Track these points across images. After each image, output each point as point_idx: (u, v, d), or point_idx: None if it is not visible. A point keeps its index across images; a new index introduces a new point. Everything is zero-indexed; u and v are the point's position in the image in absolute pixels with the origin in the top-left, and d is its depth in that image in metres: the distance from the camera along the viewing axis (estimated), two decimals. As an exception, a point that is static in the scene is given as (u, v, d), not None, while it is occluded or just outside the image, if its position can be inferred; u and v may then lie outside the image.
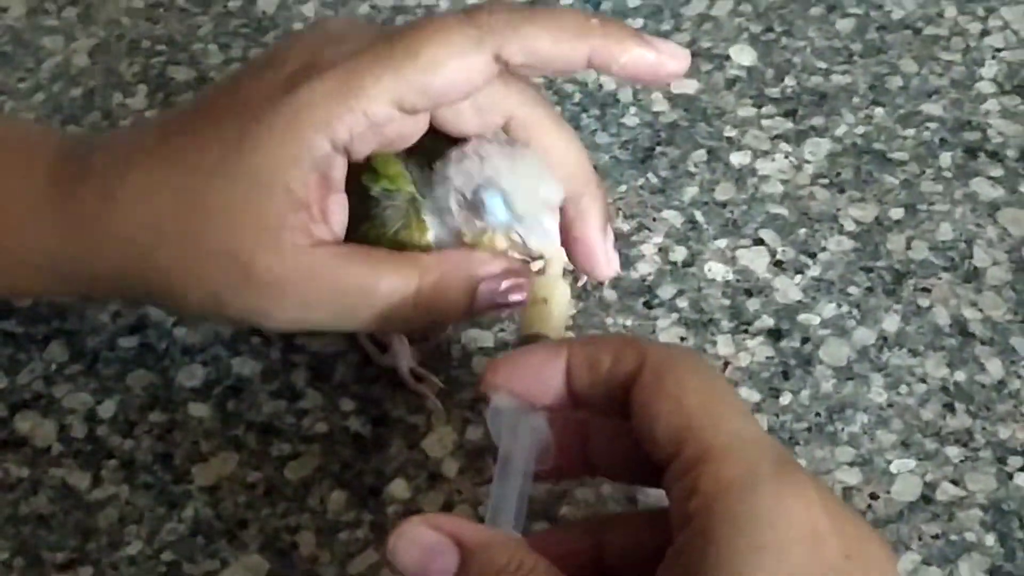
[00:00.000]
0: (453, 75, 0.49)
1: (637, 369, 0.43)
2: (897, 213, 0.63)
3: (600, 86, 0.71)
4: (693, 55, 0.68)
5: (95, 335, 0.61)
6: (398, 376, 0.57)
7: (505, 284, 0.51)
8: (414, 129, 0.51)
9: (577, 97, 0.70)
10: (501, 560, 0.41)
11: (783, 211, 0.64)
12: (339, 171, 0.50)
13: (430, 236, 0.52)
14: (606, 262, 0.55)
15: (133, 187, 0.51)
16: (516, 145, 0.52)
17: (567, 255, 0.53)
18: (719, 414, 0.42)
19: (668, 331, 0.59)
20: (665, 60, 0.51)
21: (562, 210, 0.52)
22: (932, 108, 0.68)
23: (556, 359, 0.45)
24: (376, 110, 0.49)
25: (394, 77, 0.48)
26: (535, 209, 0.51)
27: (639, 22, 0.73)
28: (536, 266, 0.51)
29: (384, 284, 0.50)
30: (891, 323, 0.59)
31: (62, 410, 0.58)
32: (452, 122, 0.51)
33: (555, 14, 0.51)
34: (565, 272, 0.52)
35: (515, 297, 0.51)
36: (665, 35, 0.73)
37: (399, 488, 0.55)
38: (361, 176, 0.51)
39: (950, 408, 0.56)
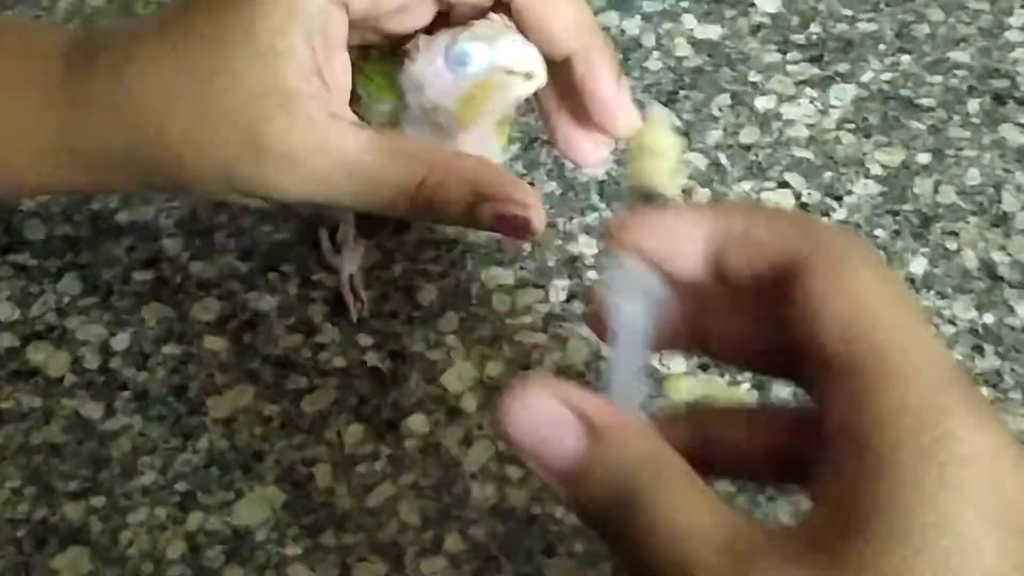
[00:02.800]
0: None
1: (805, 254, 0.37)
2: (924, 158, 0.62)
3: (623, 31, 0.70)
4: (717, 1, 0.68)
5: (109, 268, 0.60)
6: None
7: (509, 209, 0.48)
8: None
9: (599, 42, 0.69)
10: (635, 454, 0.36)
11: (808, 155, 0.63)
12: (338, 27, 0.49)
13: None
14: (625, 115, 0.52)
15: (141, 60, 0.50)
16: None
17: (580, 114, 0.52)
18: (900, 318, 0.36)
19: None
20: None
21: (572, 67, 0.51)
22: (959, 55, 0.67)
23: (701, 225, 0.39)
24: None
25: None
26: (501, 31, 0.49)
27: (662, -31, 0.72)
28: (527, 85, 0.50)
29: (390, 173, 0.48)
30: (918, 266, 0.58)
31: (75, 342, 0.57)
32: None
33: None
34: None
35: (517, 230, 0.48)
36: (689, -19, 0.72)
37: (417, 422, 0.54)
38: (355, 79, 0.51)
39: (979, 350, 0.55)
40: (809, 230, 0.38)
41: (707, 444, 0.40)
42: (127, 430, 0.54)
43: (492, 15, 0.50)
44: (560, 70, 0.51)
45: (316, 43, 0.48)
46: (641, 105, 0.57)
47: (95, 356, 0.57)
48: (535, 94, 0.51)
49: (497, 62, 0.49)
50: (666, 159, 0.43)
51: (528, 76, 0.49)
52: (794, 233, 0.38)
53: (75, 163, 0.52)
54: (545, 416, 0.36)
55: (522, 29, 0.51)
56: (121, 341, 0.57)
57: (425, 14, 0.51)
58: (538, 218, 0.48)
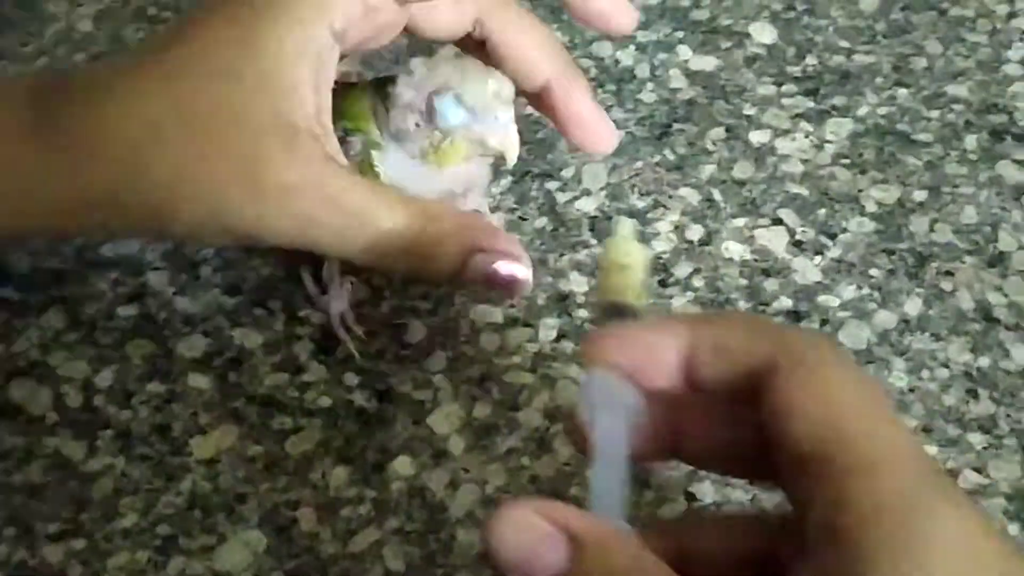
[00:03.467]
0: None
1: (774, 358, 0.38)
2: (920, 195, 0.62)
3: (617, 61, 0.69)
4: (713, 32, 0.68)
5: (94, 303, 0.59)
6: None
7: (503, 267, 0.48)
8: (397, 20, 0.51)
9: (593, 72, 0.68)
10: (619, 560, 0.36)
11: (803, 191, 0.62)
12: (331, 66, 0.49)
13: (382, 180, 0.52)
14: (607, 132, 0.54)
15: (124, 95, 0.49)
16: (463, 57, 0.52)
17: (565, 136, 0.55)
18: (872, 418, 0.37)
19: (682, 311, 0.57)
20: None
21: (550, 92, 0.53)
22: (957, 90, 0.66)
23: (675, 338, 0.40)
24: None
25: None
26: (487, 103, 0.51)
27: (657, -2, 0.72)
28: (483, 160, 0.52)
29: (386, 218, 0.48)
30: (913, 306, 0.57)
31: (58, 378, 0.56)
32: (428, 20, 0.52)
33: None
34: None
35: (509, 279, 0.48)
36: (684, 11, 0.71)
37: (403, 465, 0.53)
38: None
39: (973, 394, 0.54)
40: (779, 336, 0.39)
41: (687, 554, 0.41)
42: (109, 470, 0.53)
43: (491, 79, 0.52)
44: (538, 97, 0.53)
45: (319, 81, 0.48)
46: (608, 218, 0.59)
47: (78, 394, 0.56)
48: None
49: (471, 126, 0.51)
50: (635, 272, 0.44)
51: (500, 157, 0.51)
52: (764, 339, 0.39)
53: (51, 211, 0.50)
54: (530, 532, 0.37)
55: (499, 62, 0.53)
56: (105, 378, 0.56)
57: (395, 34, 0.52)
58: (525, 274, 0.48)
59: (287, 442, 0.54)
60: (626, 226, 0.45)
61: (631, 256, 0.44)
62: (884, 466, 0.36)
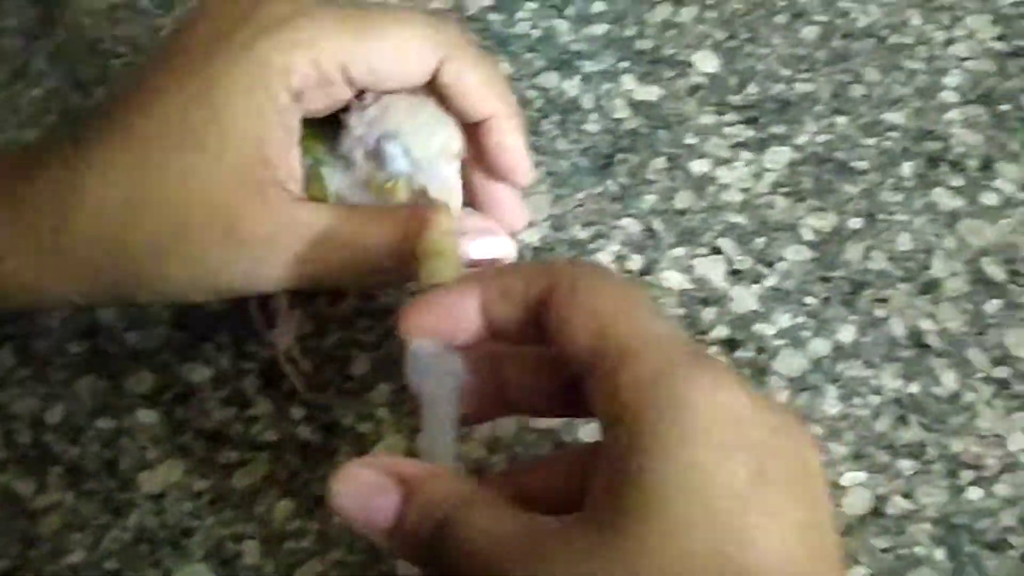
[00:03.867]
0: (401, 67, 0.51)
1: (549, 288, 0.43)
2: (856, 223, 0.63)
3: (562, 92, 0.70)
4: (656, 62, 0.69)
5: (44, 339, 0.60)
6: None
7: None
8: (342, 98, 0.52)
9: (539, 103, 0.69)
10: (443, 491, 0.41)
11: (742, 220, 0.63)
12: (295, 123, 0.51)
13: (331, 200, 0.53)
14: (524, 167, 0.56)
15: (90, 171, 0.50)
16: (418, 95, 0.53)
17: (486, 167, 0.56)
18: (633, 316, 0.41)
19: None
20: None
21: (488, 128, 0.54)
22: (894, 117, 0.68)
23: (470, 294, 0.45)
24: (328, 67, 0.50)
25: (351, 44, 0.50)
26: (433, 157, 0.52)
27: (603, 28, 0.73)
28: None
29: (371, 237, 0.50)
30: (847, 334, 0.59)
31: (8, 416, 0.58)
32: (395, 76, 0.53)
33: (494, 66, 0.55)
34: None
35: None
36: (628, 40, 0.72)
37: (346, 497, 0.54)
38: None
39: (903, 420, 0.56)
40: (548, 268, 0.44)
41: (525, 495, 0.45)
42: (58, 506, 0.54)
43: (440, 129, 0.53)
44: (475, 129, 0.55)
45: (278, 135, 0.50)
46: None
47: (28, 430, 0.57)
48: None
49: (415, 175, 0.52)
50: (449, 258, 0.48)
51: (444, 206, 0.51)
52: (540, 276, 0.44)
53: (22, 287, 0.51)
54: (365, 484, 0.42)
55: (446, 99, 0.53)
56: (54, 415, 0.57)
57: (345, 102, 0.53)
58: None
59: (233, 476, 0.55)
60: (443, 217, 0.49)
61: (444, 244, 0.48)
62: (645, 350, 0.40)
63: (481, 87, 0.53)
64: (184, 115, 0.49)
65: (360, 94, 0.52)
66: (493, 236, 0.55)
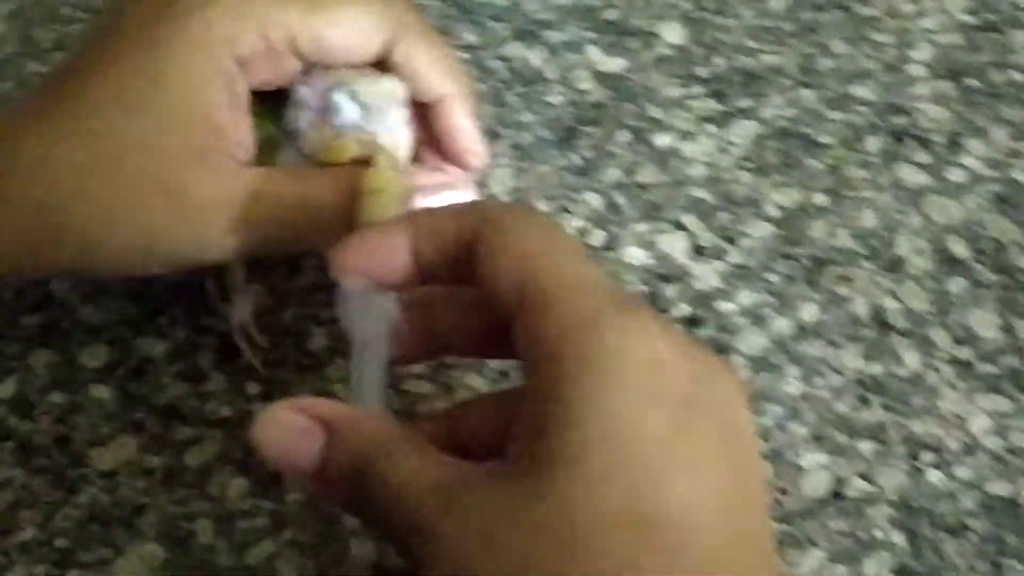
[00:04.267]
0: (348, 42, 0.51)
1: (478, 229, 0.42)
2: (821, 199, 0.62)
3: (526, 62, 0.69)
4: (622, 33, 0.68)
5: (-4, 313, 0.59)
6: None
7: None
8: (289, 71, 0.51)
9: (503, 73, 0.69)
10: (367, 434, 0.41)
11: (706, 195, 0.63)
12: (244, 89, 0.50)
13: None
14: (475, 150, 0.56)
15: (32, 145, 0.49)
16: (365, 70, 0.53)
17: (439, 150, 0.56)
18: (559, 260, 0.41)
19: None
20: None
21: (440, 107, 0.54)
22: (861, 91, 0.67)
23: (401, 234, 0.44)
24: (275, 37, 0.49)
25: (300, 17, 0.50)
26: (381, 101, 0.51)
27: (569, -3, 0.72)
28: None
29: (318, 197, 0.50)
30: (809, 313, 0.58)
31: (-40, 390, 0.57)
32: (338, 51, 0.52)
33: (446, 46, 0.54)
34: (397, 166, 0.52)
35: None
36: (594, 10, 0.71)
37: (301, 476, 0.53)
38: None
39: (864, 401, 0.55)
40: (477, 209, 0.44)
41: (456, 436, 0.46)
42: (9, 483, 0.54)
43: (386, 78, 0.52)
44: (427, 108, 0.54)
45: (224, 101, 0.49)
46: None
47: (-21, 405, 0.56)
48: None
49: (363, 125, 0.51)
50: (388, 197, 0.48)
51: (389, 148, 0.51)
52: (467, 217, 0.43)
53: None
54: (289, 427, 0.41)
55: (400, 77, 0.53)
56: (6, 389, 0.56)
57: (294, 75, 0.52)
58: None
59: (186, 453, 0.54)
60: (387, 154, 0.49)
61: (386, 181, 0.48)
62: (568, 296, 0.39)
63: (432, 67, 0.53)
64: (130, 82, 0.49)
65: (307, 70, 0.51)
66: (453, 191, 0.55)
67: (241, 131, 0.50)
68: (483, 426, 0.46)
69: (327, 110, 0.51)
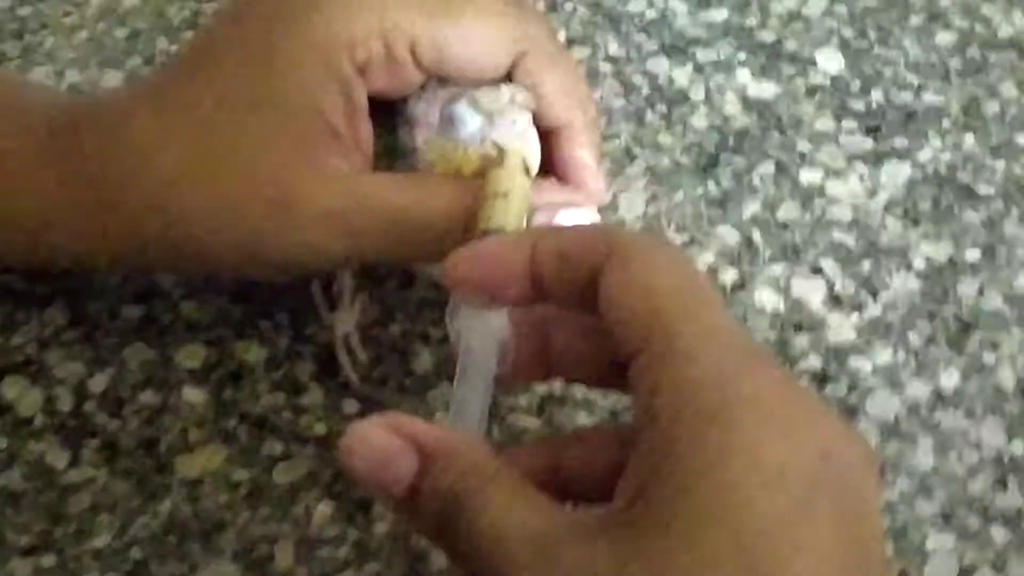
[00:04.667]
0: (473, 54, 0.49)
1: (606, 257, 0.40)
2: (973, 255, 0.58)
3: (671, 80, 0.65)
4: (776, 56, 0.64)
5: (97, 300, 0.57)
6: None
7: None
8: (417, 77, 0.50)
9: (645, 90, 0.65)
10: (461, 468, 0.38)
11: (849, 240, 0.59)
12: (362, 94, 0.49)
13: None
14: (595, 186, 0.53)
15: (153, 135, 0.48)
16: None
17: (558, 178, 0.53)
18: (689, 304, 0.39)
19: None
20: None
21: (555, 133, 0.52)
22: (1028, 140, 0.63)
23: (521, 249, 0.42)
24: (396, 45, 0.48)
25: (423, 22, 0.48)
26: (504, 108, 0.49)
27: (723, 14, 0.68)
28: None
29: (435, 207, 0.48)
30: (950, 378, 0.54)
31: (52, 379, 0.55)
32: (469, 68, 0.51)
33: (575, 69, 0.54)
34: (526, 169, 0.49)
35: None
36: (748, 30, 0.67)
37: (391, 505, 0.51)
38: None
39: (1002, 483, 0.51)
40: (605, 234, 0.41)
41: (559, 470, 0.43)
42: (90, 483, 0.52)
43: (504, 86, 0.50)
44: (547, 137, 0.52)
45: (340, 104, 0.48)
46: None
47: (69, 397, 0.54)
48: None
49: (487, 133, 0.49)
50: (513, 201, 0.46)
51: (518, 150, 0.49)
52: (595, 242, 0.40)
53: (74, 245, 0.50)
54: (381, 447, 0.39)
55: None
56: (99, 383, 0.54)
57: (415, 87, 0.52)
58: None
59: (275, 469, 0.52)
60: (514, 157, 0.47)
61: (509, 185, 0.46)
62: (697, 347, 0.37)
63: (558, 91, 0.51)
64: (245, 80, 0.48)
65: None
66: (575, 210, 0.52)
67: (359, 137, 0.49)
68: (587, 464, 0.43)
69: (446, 124, 0.49)
